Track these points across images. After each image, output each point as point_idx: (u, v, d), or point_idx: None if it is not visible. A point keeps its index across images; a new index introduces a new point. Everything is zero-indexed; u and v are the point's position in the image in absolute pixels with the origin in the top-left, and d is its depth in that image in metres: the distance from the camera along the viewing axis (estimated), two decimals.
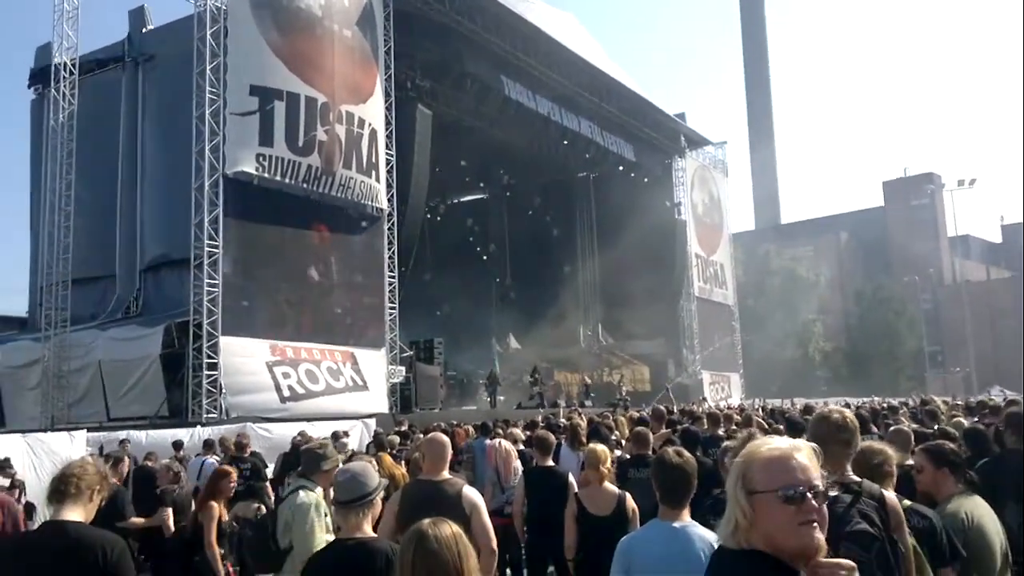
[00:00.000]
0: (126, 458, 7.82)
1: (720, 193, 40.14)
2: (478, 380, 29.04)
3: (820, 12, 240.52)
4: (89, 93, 20.64)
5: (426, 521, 2.33)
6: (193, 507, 8.38)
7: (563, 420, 12.63)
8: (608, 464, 5.38)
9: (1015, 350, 61.80)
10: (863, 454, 3.69)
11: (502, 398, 26.14)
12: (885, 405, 15.30)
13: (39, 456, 10.51)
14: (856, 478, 3.51)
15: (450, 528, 2.31)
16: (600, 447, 5.60)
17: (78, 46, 20.21)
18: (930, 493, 4.03)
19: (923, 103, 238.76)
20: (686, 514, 3.53)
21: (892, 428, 6.54)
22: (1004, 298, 70.61)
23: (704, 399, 29.12)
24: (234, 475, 6.34)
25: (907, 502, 3.49)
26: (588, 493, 5.34)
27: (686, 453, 3.80)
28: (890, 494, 3.25)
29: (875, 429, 8.95)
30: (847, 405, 17.51)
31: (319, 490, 4.81)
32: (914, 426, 8.13)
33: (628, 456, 7.12)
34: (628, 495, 5.36)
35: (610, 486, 5.35)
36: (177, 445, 11.91)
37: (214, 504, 5.96)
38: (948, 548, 3.47)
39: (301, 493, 4.72)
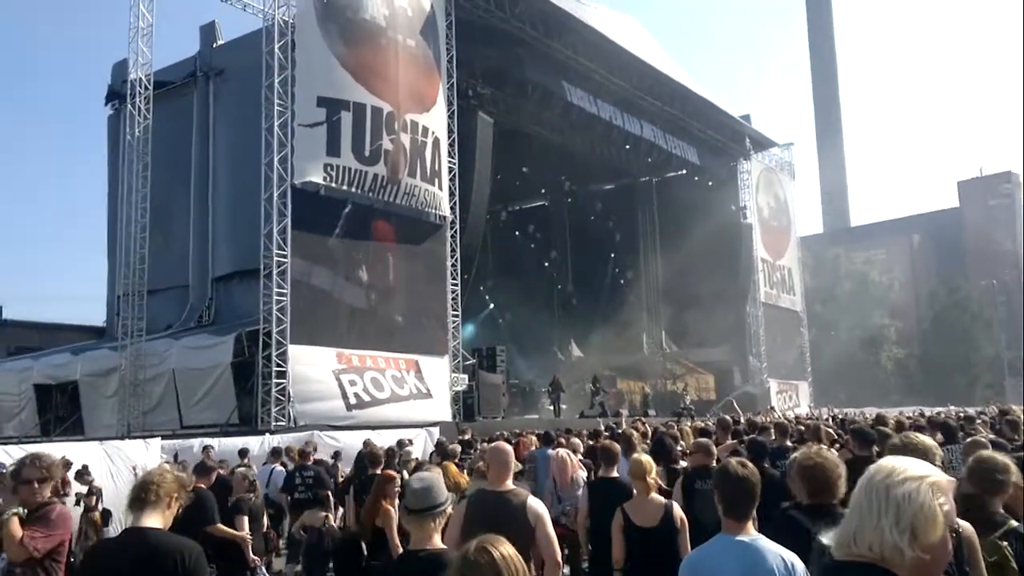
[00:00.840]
0: (216, 466, 7.98)
1: (787, 196, 39.34)
2: (540, 388, 28.99)
3: (889, 6, 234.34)
4: (163, 108, 21.32)
5: (484, 539, 2.30)
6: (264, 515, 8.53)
7: (625, 429, 12.50)
8: (654, 474, 5.31)
9: None
10: (980, 467, 3.56)
11: (564, 407, 26.06)
12: (962, 415, 14.74)
13: (116, 463, 10.82)
14: None
15: (506, 547, 2.28)
16: (645, 457, 5.53)
17: (152, 62, 20.91)
18: (1013, 508, 3.86)
19: (999, 99, 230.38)
20: (751, 527, 3.43)
21: (968, 440, 6.28)
22: None
23: (772, 408, 28.53)
24: (398, 479, 6.44)
25: (1014, 523, 3.32)
26: (634, 504, 5.28)
27: (750, 464, 3.69)
28: (965, 524, 3.11)
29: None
30: (921, 415, 17.00)
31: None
32: (991, 437, 7.83)
33: (692, 467, 7.00)
34: (675, 505, 5.29)
35: (657, 497, 5.28)
36: (243, 453, 12.11)
37: (389, 507, 6.08)
38: None
39: None
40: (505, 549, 2.28)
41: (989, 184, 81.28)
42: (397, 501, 6.22)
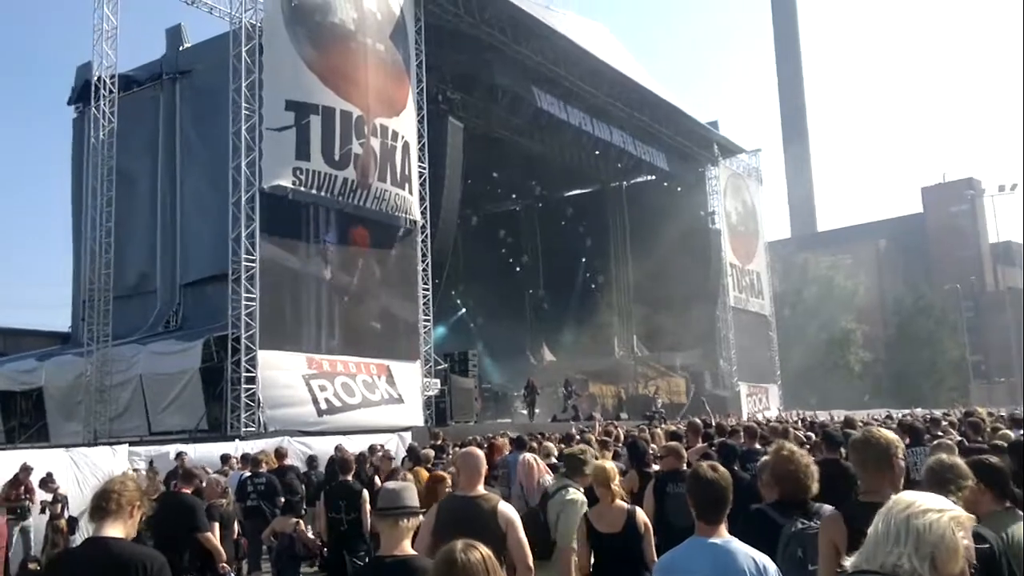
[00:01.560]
0: (200, 473, 7.87)
1: (754, 201, 39.77)
2: (512, 392, 29.00)
3: (854, 18, 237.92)
4: (128, 110, 21.02)
5: (458, 545, 2.31)
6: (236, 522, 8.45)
7: (598, 433, 12.54)
8: (617, 481, 5.33)
9: None
10: (937, 469, 3.61)
11: (537, 411, 26.08)
12: (927, 417, 14.96)
13: (82, 470, 10.66)
14: None
15: (480, 553, 2.30)
16: (609, 464, 5.55)
17: (117, 64, 20.63)
18: (970, 510, 3.91)
19: (961, 107, 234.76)
20: (724, 530, 3.46)
21: (936, 441, 6.38)
22: None
23: (735, 412, 28.76)
24: (448, 480, 6.42)
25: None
26: (597, 511, 5.30)
27: (721, 468, 3.72)
28: None
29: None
30: (889, 417, 17.25)
31: (581, 490, 5.49)
32: (958, 439, 7.95)
33: (664, 471, 7.02)
34: (639, 510, 5.31)
35: (620, 503, 5.30)
36: (224, 459, 11.93)
37: None
38: (1007, 573, 3.36)
39: (571, 491, 5.38)
40: (486, 551, 2.32)
41: (952, 190, 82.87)
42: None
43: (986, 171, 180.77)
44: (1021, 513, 3.88)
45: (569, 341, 34.67)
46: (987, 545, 3.26)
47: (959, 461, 3.74)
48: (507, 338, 33.85)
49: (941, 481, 3.47)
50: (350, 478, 8.18)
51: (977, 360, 66.26)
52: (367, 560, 7.74)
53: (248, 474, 10.47)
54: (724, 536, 3.42)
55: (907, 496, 2.11)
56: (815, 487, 3.92)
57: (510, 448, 10.34)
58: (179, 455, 11.91)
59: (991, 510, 3.89)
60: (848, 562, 2.14)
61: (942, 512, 2.01)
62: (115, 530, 3.39)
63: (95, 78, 20.23)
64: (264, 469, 10.51)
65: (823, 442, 8.22)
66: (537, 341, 36.60)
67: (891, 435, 3.69)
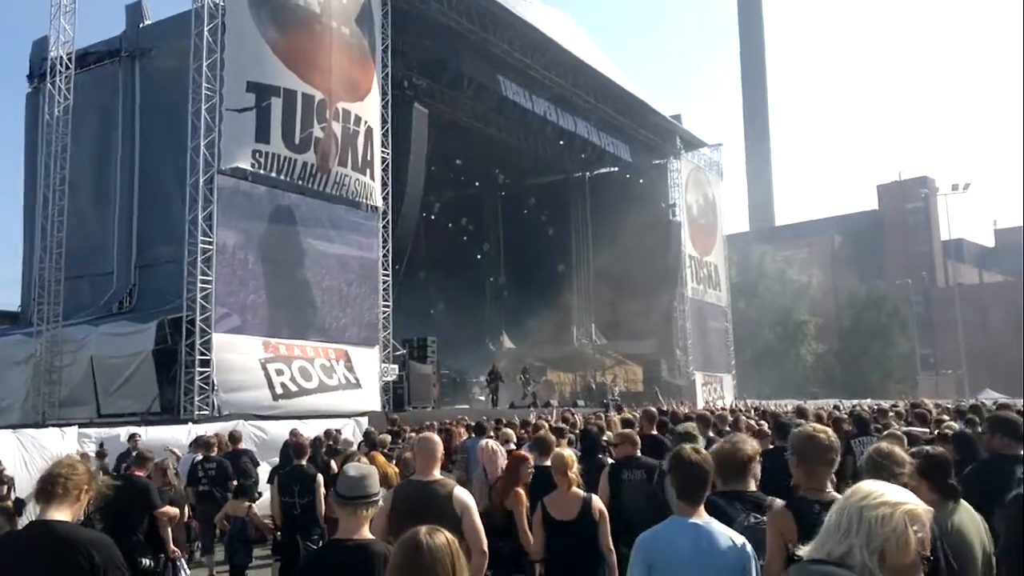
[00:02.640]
0: (152, 456, 7.79)
1: (715, 195, 40.20)
2: (471, 379, 29.01)
3: (818, 17, 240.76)
4: (85, 88, 20.58)
5: (422, 530, 2.32)
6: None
7: (555, 420, 12.63)
8: (574, 469, 5.42)
9: (1006, 353, 62.07)
10: (876, 458, 3.72)
11: (489, 396, 26.19)
12: (875, 408, 15.33)
13: (30, 452, 10.49)
14: (837, 495, 3.57)
15: (444, 537, 2.32)
16: (567, 452, 5.65)
17: (74, 40, 20.18)
18: None
19: (918, 107, 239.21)
20: (703, 511, 3.56)
21: (886, 432, 6.54)
22: (996, 302, 70.91)
23: (689, 401, 29.13)
24: (531, 461, 6.45)
25: None
26: (554, 498, 5.39)
27: (703, 451, 3.84)
28: None
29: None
30: (837, 407, 17.62)
31: None
32: (905, 429, 8.17)
33: (618, 458, 7.13)
34: (594, 498, 5.41)
35: (577, 491, 5.39)
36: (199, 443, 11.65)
37: (520, 491, 6.10)
38: (944, 560, 3.49)
39: None
40: (450, 535, 2.34)
41: (907, 188, 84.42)
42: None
43: (940, 170, 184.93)
44: (957, 504, 4.04)
45: (529, 329, 34.78)
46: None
47: (897, 450, 3.86)
48: (467, 325, 33.83)
49: (878, 468, 3.59)
50: (304, 462, 8.19)
51: (926, 353, 67.83)
52: (323, 543, 7.78)
53: (200, 458, 10.40)
54: (704, 517, 3.53)
55: (865, 486, 2.10)
56: (755, 474, 4.04)
57: (467, 434, 10.42)
58: (132, 437, 11.76)
59: (928, 500, 4.03)
60: (802, 551, 2.14)
61: (896, 505, 2.00)
62: (61, 514, 3.34)
63: (51, 54, 19.76)
64: (215, 453, 10.44)
65: (774, 430, 8.42)
66: (497, 328, 36.66)
67: (832, 433, 3.81)
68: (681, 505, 3.58)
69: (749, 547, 3.40)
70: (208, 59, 17.31)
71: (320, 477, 7.84)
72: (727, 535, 3.42)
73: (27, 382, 19.23)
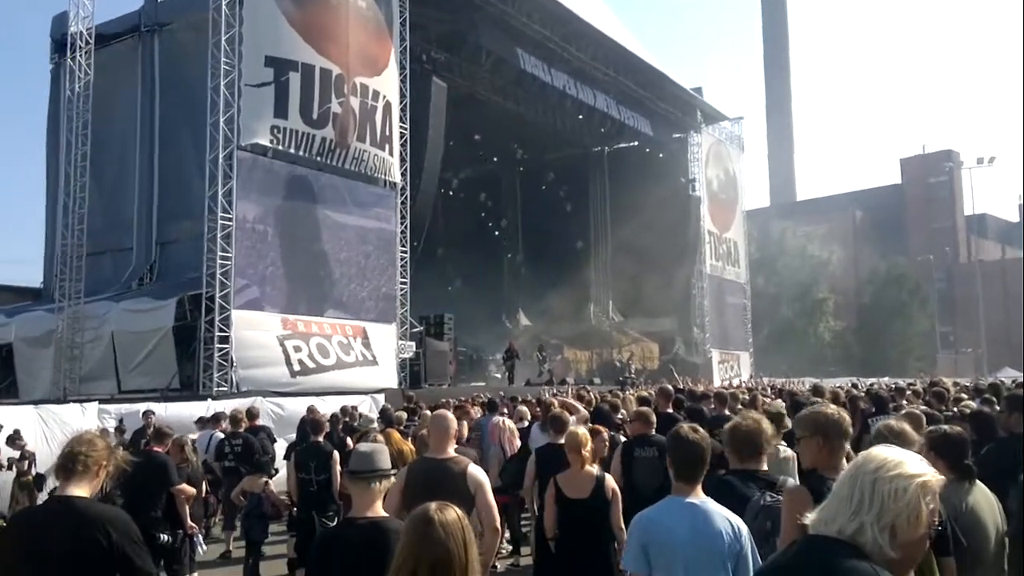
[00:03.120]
0: (172, 432, 7.87)
1: (735, 169, 39.79)
2: (487, 356, 29.07)
3: None
4: (105, 63, 20.61)
5: (432, 506, 2.32)
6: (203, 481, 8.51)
7: (571, 397, 12.65)
8: (588, 448, 5.43)
9: None
10: (883, 436, 3.70)
11: (506, 373, 26.25)
12: (892, 386, 15.24)
13: (51, 427, 10.63)
14: None
15: (455, 513, 2.32)
16: (581, 430, 5.65)
17: (94, 16, 20.20)
18: None
19: (944, 80, 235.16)
20: (700, 490, 3.56)
21: (904, 411, 6.49)
22: (1019, 278, 70.09)
23: (706, 379, 29.07)
24: (605, 434, 6.64)
25: None
26: (567, 476, 5.42)
27: (701, 430, 3.83)
28: None
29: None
30: (854, 386, 17.54)
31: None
32: (923, 408, 8.12)
33: (632, 435, 7.14)
34: (607, 477, 5.43)
35: (590, 468, 5.40)
36: (218, 418, 11.80)
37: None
38: (951, 539, 3.49)
39: (782, 449, 5.35)
40: (460, 511, 2.33)
41: (931, 162, 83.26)
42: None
43: (965, 143, 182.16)
44: (972, 484, 4.02)
45: (546, 306, 34.76)
46: None
47: (907, 427, 3.83)
48: (484, 302, 33.89)
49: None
50: (321, 439, 8.26)
51: (946, 331, 67.26)
52: (337, 521, 7.87)
53: (224, 435, 10.53)
54: (701, 496, 3.52)
55: (879, 454, 1.99)
56: (769, 451, 4.02)
57: (481, 412, 10.46)
58: (146, 414, 11.87)
59: (946, 480, 4.01)
60: (808, 518, 2.05)
61: (912, 478, 1.91)
62: (80, 489, 3.40)
63: (71, 30, 19.79)
64: (228, 429, 10.57)
65: (790, 409, 8.38)
66: (514, 305, 36.66)
67: (843, 412, 3.78)
68: (678, 484, 3.57)
69: (746, 529, 3.40)
70: (227, 33, 17.28)
71: (336, 454, 7.91)
72: (724, 515, 3.42)
73: (49, 358, 19.45)
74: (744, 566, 3.32)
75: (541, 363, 27.01)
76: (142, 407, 12.62)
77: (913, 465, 1.95)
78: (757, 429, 4.01)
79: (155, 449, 7.28)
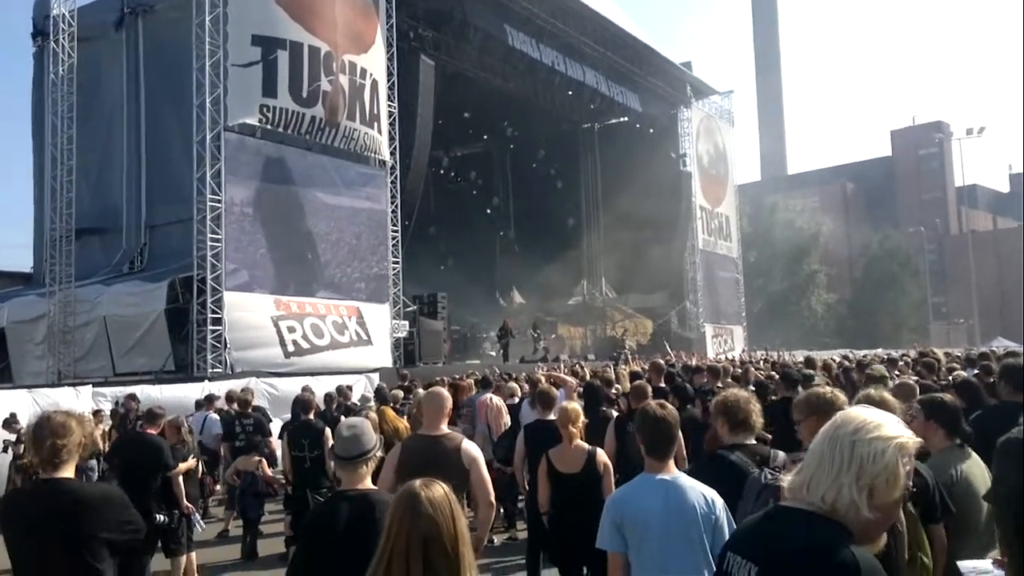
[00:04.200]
0: (164, 413, 7.88)
1: (726, 144, 39.71)
2: (481, 335, 29.11)
3: None
4: (90, 45, 20.42)
5: (417, 483, 2.32)
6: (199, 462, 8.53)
7: (565, 373, 12.71)
8: (579, 423, 5.46)
9: (1018, 300, 61.78)
10: (863, 403, 3.72)
11: (500, 350, 26.31)
12: (885, 357, 15.34)
13: (45, 410, 10.62)
14: None
15: (441, 488, 2.32)
16: (572, 405, 5.67)
17: None
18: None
19: (933, 51, 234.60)
20: (672, 465, 3.58)
21: (897, 382, 6.53)
22: (1010, 248, 70.37)
23: (700, 353, 29.17)
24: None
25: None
26: (559, 451, 5.45)
27: (669, 406, 3.84)
28: None
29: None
30: (846, 358, 17.62)
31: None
32: (915, 379, 8.18)
33: (627, 410, 7.18)
34: (599, 451, 5.46)
35: (581, 443, 5.44)
36: (209, 399, 11.86)
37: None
38: (940, 506, 3.52)
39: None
40: (445, 486, 2.33)
41: (920, 133, 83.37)
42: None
43: (955, 114, 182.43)
44: (968, 450, 4.06)
45: (539, 283, 34.76)
46: (921, 479, 3.41)
47: (887, 396, 3.84)
48: (477, 280, 33.85)
49: None
50: (312, 416, 8.36)
51: (938, 302, 67.63)
52: (329, 496, 7.94)
53: (233, 414, 10.58)
54: (673, 472, 3.54)
55: (858, 414, 1.99)
56: (758, 424, 4.05)
57: (475, 388, 10.50)
58: (127, 400, 11.75)
59: (943, 446, 4.05)
60: (787, 482, 2.04)
61: (890, 440, 1.91)
62: (67, 471, 3.43)
63: (53, 11, 19.58)
64: (235, 409, 10.59)
65: (781, 382, 8.45)
66: (507, 283, 36.66)
67: (837, 391, 3.82)
68: (649, 461, 3.59)
69: (719, 501, 3.41)
70: (211, 13, 17.11)
71: (328, 431, 8.00)
72: (697, 490, 3.43)
73: (42, 342, 19.44)
74: (720, 537, 3.32)
75: (536, 340, 27.06)
76: (136, 390, 12.62)
77: (891, 427, 1.95)
78: (747, 402, 4.04)
79: (148, 431, 7.29)
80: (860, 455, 1.90)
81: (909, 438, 1.95)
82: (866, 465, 1.89)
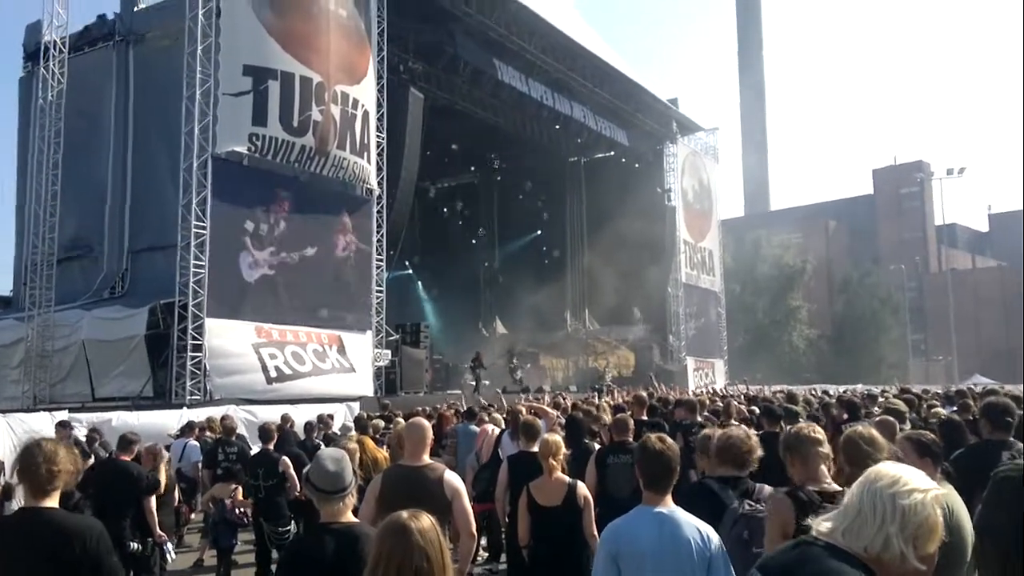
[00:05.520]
0: (138, 439, 7.75)
1: (710, 179, 40.13)
2: (464, 364, 29.08)
3: (815, 2, 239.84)
4: (79, 72, 20.44)
5: (404, 514, 2.31)
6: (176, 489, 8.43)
7: (547, 405, 12.66)
8: (560, 456, 5.43)
9: (996, 339, 62.33)
10: (854, 442, 3.76)
11: (487, 382, 26.20)
12: (865, 393, 15.42)
13: (19, 436, 10.44)
14: (836, 487, 3.60)
15: (428, 520, 2.32)
16: (553, 437, 5.64)
17: (68, 24, 20.09)
18: None
19: (914, 92, 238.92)
20: (670, 500, 3.58)
21: (878, 419, 6.58)
22: (989, 287, 71.17)
23: (681, 386, 29.19)
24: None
25: None
26: (539, 484, 5.41)
27: (669, 439, 3.85)
28: None
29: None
30: (825, 393, 17.70)
31: None
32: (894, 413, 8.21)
33: (608, 443, 7.18)
34: (580, 484, 5.43)
35: (562, 476, 5.40)
36: (189, 427, 11.59)
37: None
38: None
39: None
40: (431, 518, 2.33)
41: (902, 173, 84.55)
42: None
43: (935, 154, 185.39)
44: (950, 486, 4.08)
45: (522, 314, 34.81)
46: None
47: (875, 433, 3.89)
48: (461, 310, 33.83)
49: (860, 454, 3.63)
50: (271, 447, 8.35)
51: (917, 339, 68.13)
52: (292, 528, 7.95)
53: (214, 441, 10.46)
54: (670, 506, 3.55)
55: (888, 470, 2.08)
56: (754, 463, 4.09)
57: (457, 419, 10.45)
58: (92, 430, 11.22)
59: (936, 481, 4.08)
60: (823, 527, 2.10)
61: (926, 491, 2.00)
62: (50, 500, 3.38)
63: (44, 38, 19.63)
64: (219, 436, 10.48)
65: (763, 417, 8.47)
66: (490, 313, 36.66)
67: (818, 430, 3.87)
68: (647, 494, 3.60)
69: (716, 538, 3.43)
70: (203, 43, 17.21)
71: (286, 459, 8.02)
72: (692, 524, 3.44)
73: (19, 367, 19.21)
74: (715, 573, 3.34)
75: (512, 371, 27.01)
76: (113, 416, 12.45)
77: (922, 480, 2.05)
78: (746, 440, 4.08)
79: (122, 458, 7.20)
80: (902, 507, 1.98)
81: (940, 490, 2.05)
82: (909, 515, 1.97)
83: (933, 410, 9.09)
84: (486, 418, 10.36)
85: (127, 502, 6.76)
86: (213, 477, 9.94)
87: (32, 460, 3.38)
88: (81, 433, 11.34)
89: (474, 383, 25.86)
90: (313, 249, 19.26)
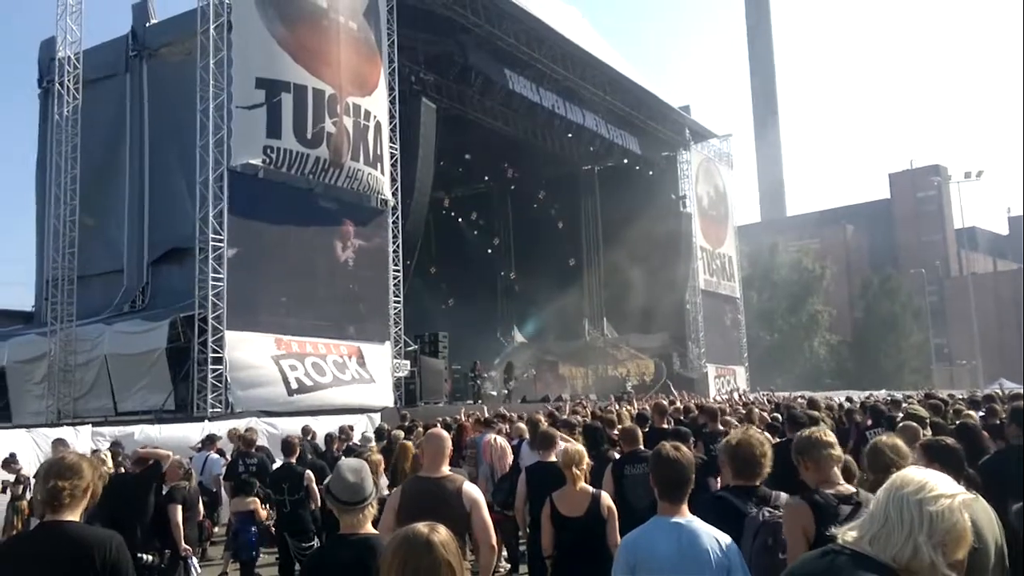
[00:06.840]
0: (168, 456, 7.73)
1: (725, 185, 39.99)
2: (483, 374, 29.05)
3: (827, 5, 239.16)
4: (94, 88, 20.68)
5: (423, 527, 2.28)
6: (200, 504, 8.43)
7: (568, 413, 12.61)
8: (583, 465, 5.36)
9: (1020, 342, 61.59)
10: (879, 450, 3.72)
11: (505, 391, 26.19)
12: (889, 399, 15.25)
13: (44, 451, 10.52)
14: (851, 488, 3.55)
15: (446, 532, 2.29)
16: (575, 447, 5.58)
17: (82, 40, 20.31)
18: None
19: (930, 95, 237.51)
20: (686, 509, 3.53)
21: (901, 424, 6.49)
22: (1010, 290, 70.38)
23: (702, 394, 29.04)
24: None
25: None
26: (562, 494, 5.35)
27: (683, 447, 3.80)
28: None
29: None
30: (848, 399, 17.55)
31: None
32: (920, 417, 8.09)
33: (622, 453, 7.09)
34: (603, 495, 5.36)
35: (585, 486, 5.34)
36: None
37: None
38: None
39: None
40: (446, 530, 2.30)
41: (919, 176, 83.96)
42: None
43: (953, 158, 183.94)
44: (974, 493, 4.00)
45: (540, 323, 34.76)
46: None
47: (899, 441, 3.84)
48: (478, 320, 33.82)
49: (884, 462, 3.57)
50: (294, 460, 8.33)
51: (940, 343, 67.47)
52: (317, 541, 7.92)
53: (237, 454, 10.46)
54: (687, 516, 3.50)
55: (914, 476, 2.05)
56: (767, 469, 4.02)
57: (478, 429, 10.41)
58: (112, 445, 11.15)
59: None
60: (850, 536, 2.07)
61: (952, 497, 1.97)
62: (71, 515, 3.39)
63: (58, 54, 19.85)
64: (240, 448, 10.48)
65: (787, 423, 8.38)
66: (508, 323, 36.64)
67: (829, 433, 3.84)
68: (663, 504, 3.56)
69: (735, 547, 3.38)
70: (215, 57, 17.35)
71: (309, 474, 7.98)
72: (711, 534, 3.39)
73: (42, 382, 19.36)
74: None
75: (505, 382, 27.01)
76: (135, 429, 12.49)
77: (949, 485, 2.02)
78: (760, 447, 4.00)
79: (136, 471, 7.21)
80: (929, 513, 1.96)
81: (967, 495, 2.02)
82: (936, 522, 1.95)
83: (961, 415, 8.95)
84: (504, 428, 10.33)
85: (137, 514, 6.74)
86: (233, 489, 9.97)
87: (53, 482, 3.39)
88: (104, 447, 11.41)
89: (475, 394, 25.85)
90: (330, 260, 19.32)
